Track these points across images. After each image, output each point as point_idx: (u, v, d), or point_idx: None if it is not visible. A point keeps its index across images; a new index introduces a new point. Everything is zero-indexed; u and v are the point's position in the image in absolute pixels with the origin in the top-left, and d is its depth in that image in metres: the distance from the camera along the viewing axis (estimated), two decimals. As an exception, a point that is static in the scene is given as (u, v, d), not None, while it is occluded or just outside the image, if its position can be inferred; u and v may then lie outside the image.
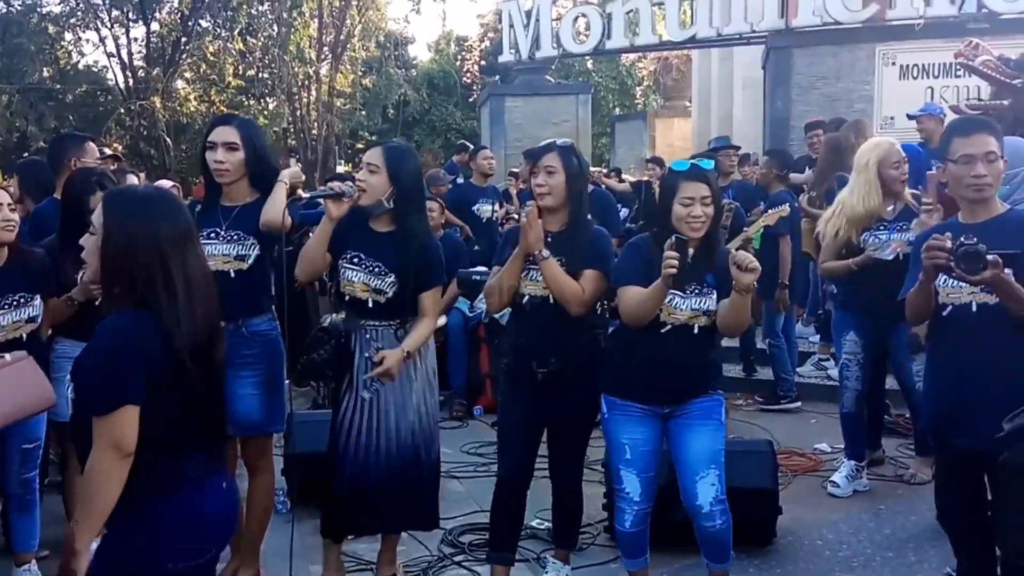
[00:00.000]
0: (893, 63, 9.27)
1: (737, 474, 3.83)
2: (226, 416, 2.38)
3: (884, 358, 4.75)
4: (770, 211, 5.75)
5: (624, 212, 9.98)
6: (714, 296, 3.11)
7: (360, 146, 27.35)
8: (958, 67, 8.98)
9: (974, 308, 2.91)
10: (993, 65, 4.08)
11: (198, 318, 2.09)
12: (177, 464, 2.11)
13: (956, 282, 2.88)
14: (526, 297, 3.37)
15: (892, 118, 8.92)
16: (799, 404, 6.42)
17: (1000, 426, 2.82)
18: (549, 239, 3.28)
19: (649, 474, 3.25)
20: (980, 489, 3.04)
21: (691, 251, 3.01)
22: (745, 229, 5.77)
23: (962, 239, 2.71)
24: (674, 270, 2.89)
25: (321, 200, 3.44)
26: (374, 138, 26.09)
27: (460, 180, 9.66)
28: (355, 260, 3.41)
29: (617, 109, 26.74)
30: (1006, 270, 2.71)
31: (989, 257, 2.64)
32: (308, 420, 4.58)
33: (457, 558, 3.98)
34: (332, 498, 3.48)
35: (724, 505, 3.17)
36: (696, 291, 3.10)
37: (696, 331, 3.13)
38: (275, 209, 3.32)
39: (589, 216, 3.53)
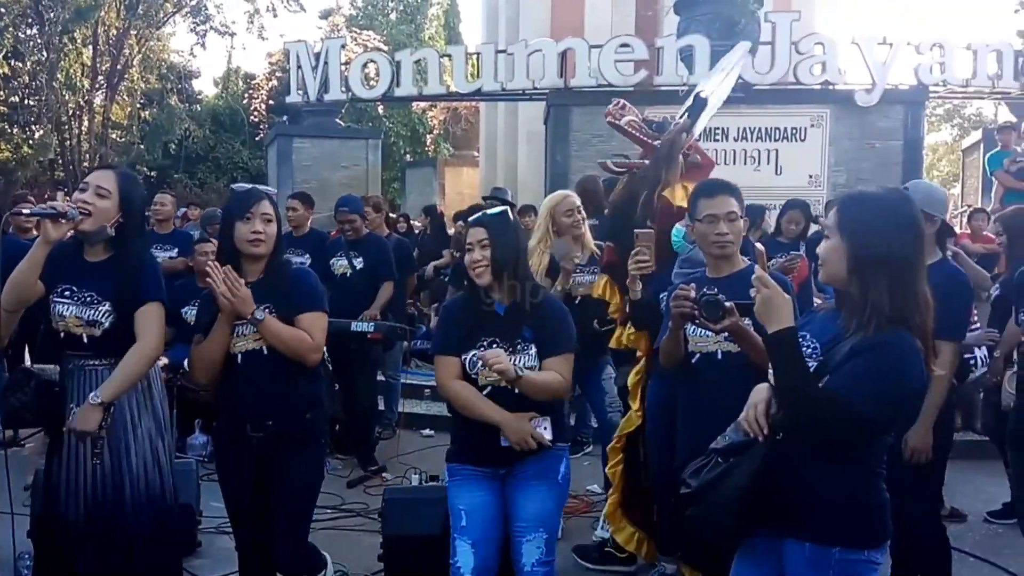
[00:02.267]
0: (660, 125, 9.94)
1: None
2: None
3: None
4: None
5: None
6: (532, 351, 3.03)
7: (137, 182, 25.96)
8: (717, 132, 9.81)
9: (719, 356, 3.16)
10: (636, 125, 4.42)
11: None
12: None
13: (703, 331, 3.12)
14: (239, 355, 3.12)
15: (660, 176, 9.52)
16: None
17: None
18: (250, 286, 3.08)
19: (487, 542, 3.05)
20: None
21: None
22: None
23: (704, 290, 2.95)
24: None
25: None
26: (153, 174, 24.88)
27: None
28: (67, 293, 3.11)
29: (408, 156, 27.00)
30: (745, 319, 2.95)
31: (727, 305, 2.88)
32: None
33: (223, 617, 3.81)
34: (54, 562, 3.14)
35: (548, 568, 3.09)
36: (509, 348, 3.01)
37: (516, 390, 2.99)
38: None
39: None
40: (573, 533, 4.85)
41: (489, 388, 3.03)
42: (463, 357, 3.05)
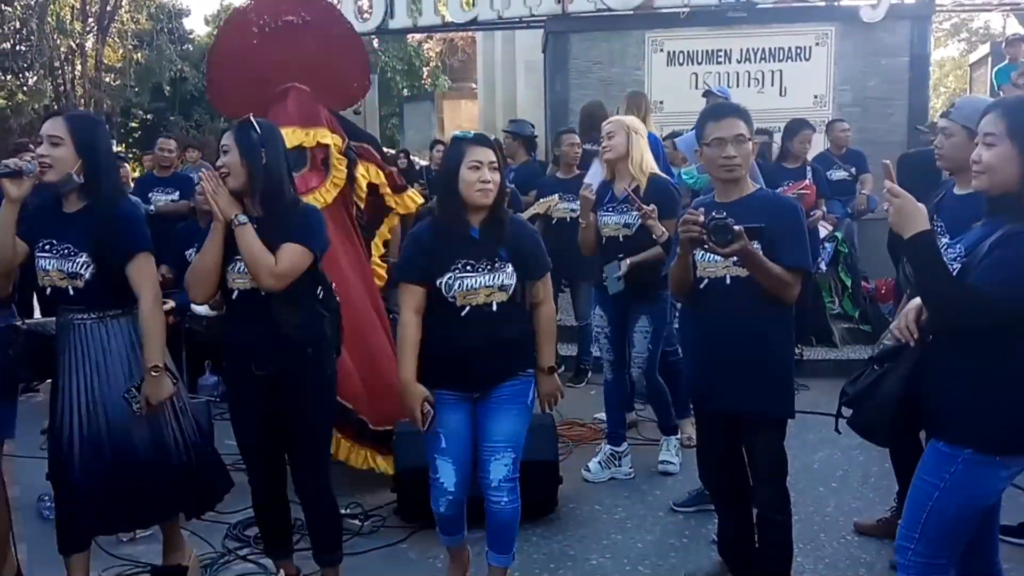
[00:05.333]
0: (661, 50, 9.75)
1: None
2: None
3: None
4: (541, 200, 6.03)
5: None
6: (509, 269, 3.07)
7: (134, 125, 25.75)
8: (719, 54, 9.66)
9: (728, 281, 3.11)
10: None
11: None
12: None
13: (712, 257, 3.09)
14: (236, 292, 3.10)
15: (661, 102, 9.38)
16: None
17: (751, 391, 3.09)
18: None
19: (465, 461, 3.18)
20: (735, 450, 3.27)
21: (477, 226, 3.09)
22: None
23: (713, 214, 2.91)
24: None
25: None
26: (149, 117, 24.66)
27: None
28: (47, 247, 3.08)
29: (406, 90, 26.64)
30: (754, 243, 2.94)
31: (736, 229, 2.85)
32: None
33: (242, 552, 3.87)
34: (64, 510, 3.16)
35: (514, 484, 3.18)
36: (487, 267, 3.06)
37: (495, 308, 3.07)
38: None
39: None
40: (581, 461, 4.89)
41: (468, 308, 3.06)
42: (438, 281, 3.06)
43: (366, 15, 11.55)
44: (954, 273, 2.36)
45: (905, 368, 2.50)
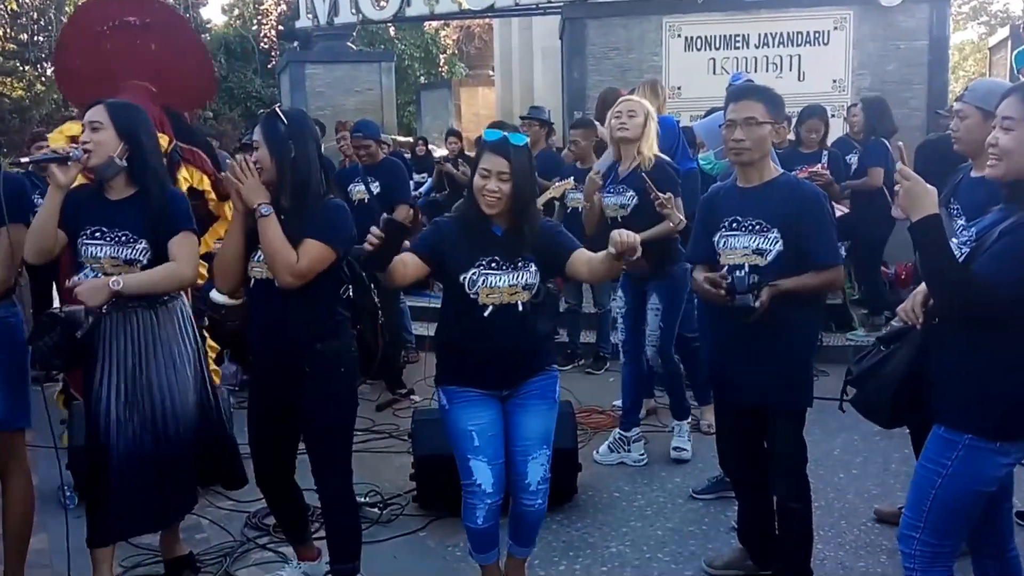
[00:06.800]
0: (679, 35, 9.67)
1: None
2: None
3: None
4: (557, 183, 6.00)
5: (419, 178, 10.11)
6: (533, 268, 2.97)
7: (152, 115, 25.84)
8: (737, 39, 9.58)
9: (747, 269, 3.09)
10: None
11: None
12: None
13: (732, 245, 3.09)
14: (252, 281, 3.06)
15: (679, 88, 9.32)
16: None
17: (770, 382, 3.08)
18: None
19: (499, 461, 3.02)
20: (754, 438, 3.26)
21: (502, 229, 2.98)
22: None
23: (732, 277, 3.00)
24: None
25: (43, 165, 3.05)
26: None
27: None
28: (97, 234, 3.09)
29: (423, 78, 26.60)
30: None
31: (758, 283, 2.95)
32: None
33: (262, 540, 3.89)
34: (99, 500, 3.16)
35: (547, 485, 3.10)
36: (511, 266, 2.95)
37: (520, 308, 2.96)
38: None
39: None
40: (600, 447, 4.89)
41: (491, 309, 2.95)
42: (462, 277, 2.96)
43: (383, 3, 11.54)
44: (963, 257, 2.34)
45: (910, 350, 2.49)
